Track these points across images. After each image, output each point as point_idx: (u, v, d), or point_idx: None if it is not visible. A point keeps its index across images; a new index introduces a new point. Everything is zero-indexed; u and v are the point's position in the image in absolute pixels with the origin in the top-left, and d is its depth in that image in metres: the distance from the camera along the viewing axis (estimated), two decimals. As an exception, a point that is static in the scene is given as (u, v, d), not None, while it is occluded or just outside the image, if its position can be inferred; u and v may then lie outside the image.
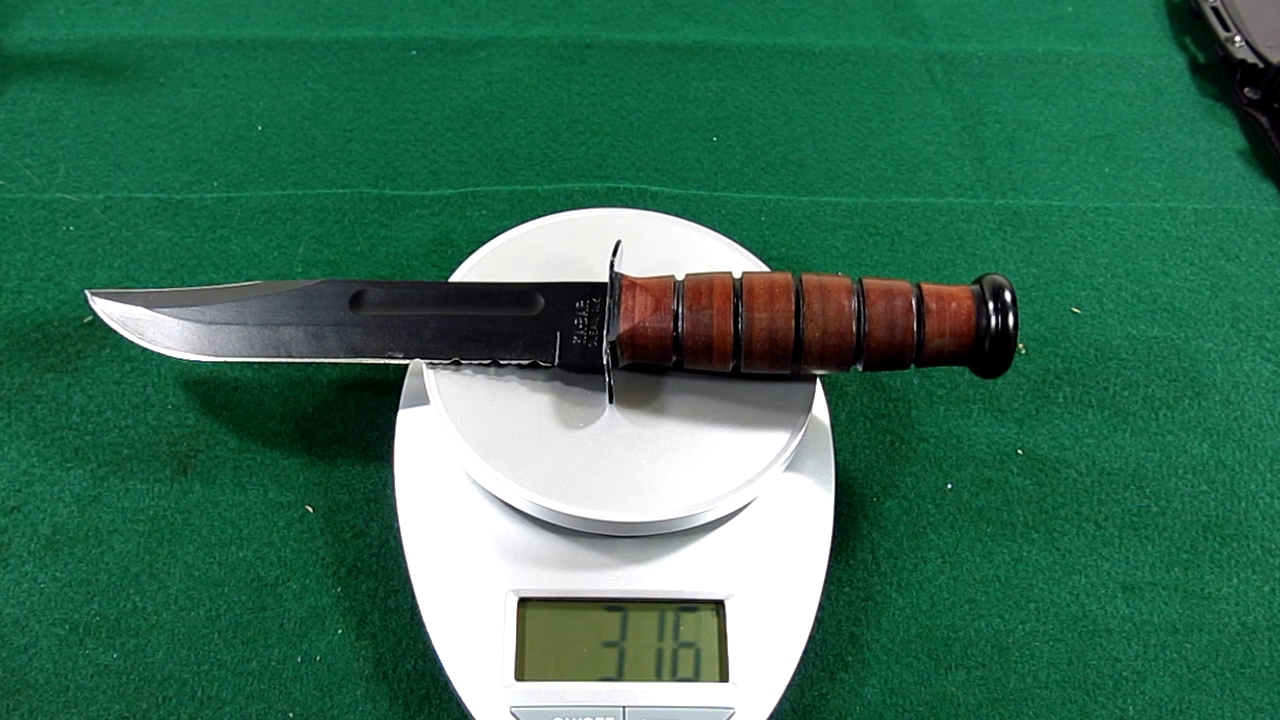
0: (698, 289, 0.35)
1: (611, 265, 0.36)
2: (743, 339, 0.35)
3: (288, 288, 0.39)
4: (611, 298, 0.35)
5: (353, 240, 0.50)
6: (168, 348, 0.38)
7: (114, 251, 0.48)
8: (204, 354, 0.38)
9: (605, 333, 0.35)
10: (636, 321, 0.35)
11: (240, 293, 0.39)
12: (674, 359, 0.36)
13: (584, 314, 0.37)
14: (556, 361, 0.36)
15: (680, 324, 0.35)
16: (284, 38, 0.59)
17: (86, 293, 0.40)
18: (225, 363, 0.43)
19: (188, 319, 0.38)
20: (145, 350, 0.39)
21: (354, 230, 0.50)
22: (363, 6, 0.61)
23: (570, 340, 0.36)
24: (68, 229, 0.49)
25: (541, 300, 0.37)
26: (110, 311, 0.39)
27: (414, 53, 0.59)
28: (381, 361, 0.37)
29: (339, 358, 0.37)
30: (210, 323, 0.38)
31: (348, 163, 0.53)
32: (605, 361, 0.35)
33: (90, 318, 0.45)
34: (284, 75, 0.57)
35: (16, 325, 0.45)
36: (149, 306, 0.39)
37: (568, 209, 0.44)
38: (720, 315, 0.34)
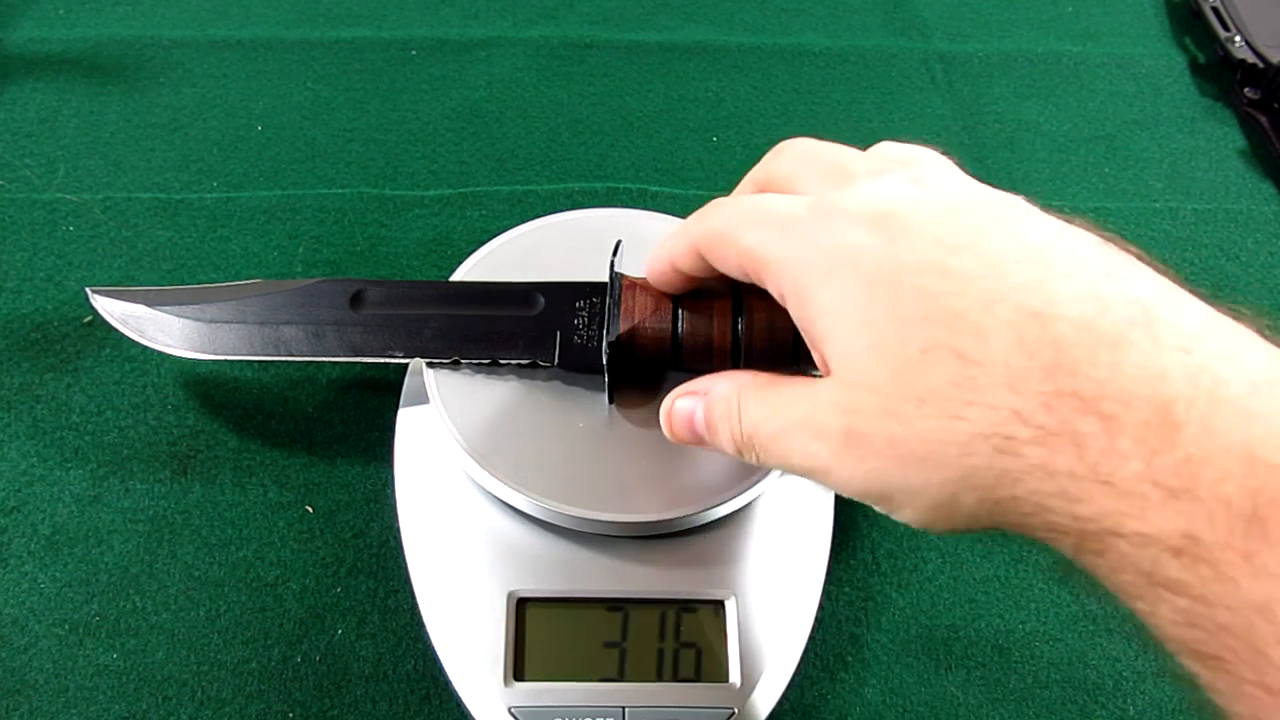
0: (698, 289, 0.35)
1: (612, 265, 0.36)
2: (742, 339, 0.35)
3: (288, 287, 0.39)
4: (611, 297, 0.35)
5: (353, 240, 0.50)
6: (168, 346, 0.38)
7: (114, 251, 0.48)
8: (204, 352, 0.38)
9: (605, 333, 0.35)
10: (636, 321, 0.35)
11: (241, 291, 0.39)
12: (674, 359, 0.36)
13: (584, 314, 0.37)
14: (556, 361, 0.36)
15: (680, 324, 0.35)
16: (284, 38, 0.59)
17: (87, 290, 0.40)
18: (225, 361, 0.43)
19: (188, 317, 0.38)
20: (145, 350, 0.39)
21: (354, 230, 0.50)
22: (363, 6, 0.61)
23: (570, 340, 0.36)
24: (68, 229, 0.49)
25: (542, 300, 0.37)
26: (111, 309, 0.39)
27: (414, 53, 0.59)
28: (381, 360, 0.37)
29: (339, 356, 0.37)
30: (210, 321, 0.38)
31: (348, 163, 0.53)
32: (604, 361, 0.35)
33: (90, 318, 0.45)
34: (284, 75, 0.57)
35: (16, 325, 0.45)
36: (149, 304, 0.39)
37: (568, 209, 0.44)
38: (720, 315, 0.34)
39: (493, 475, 0.35)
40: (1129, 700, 0.38)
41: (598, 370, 0.36)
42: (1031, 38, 0.63)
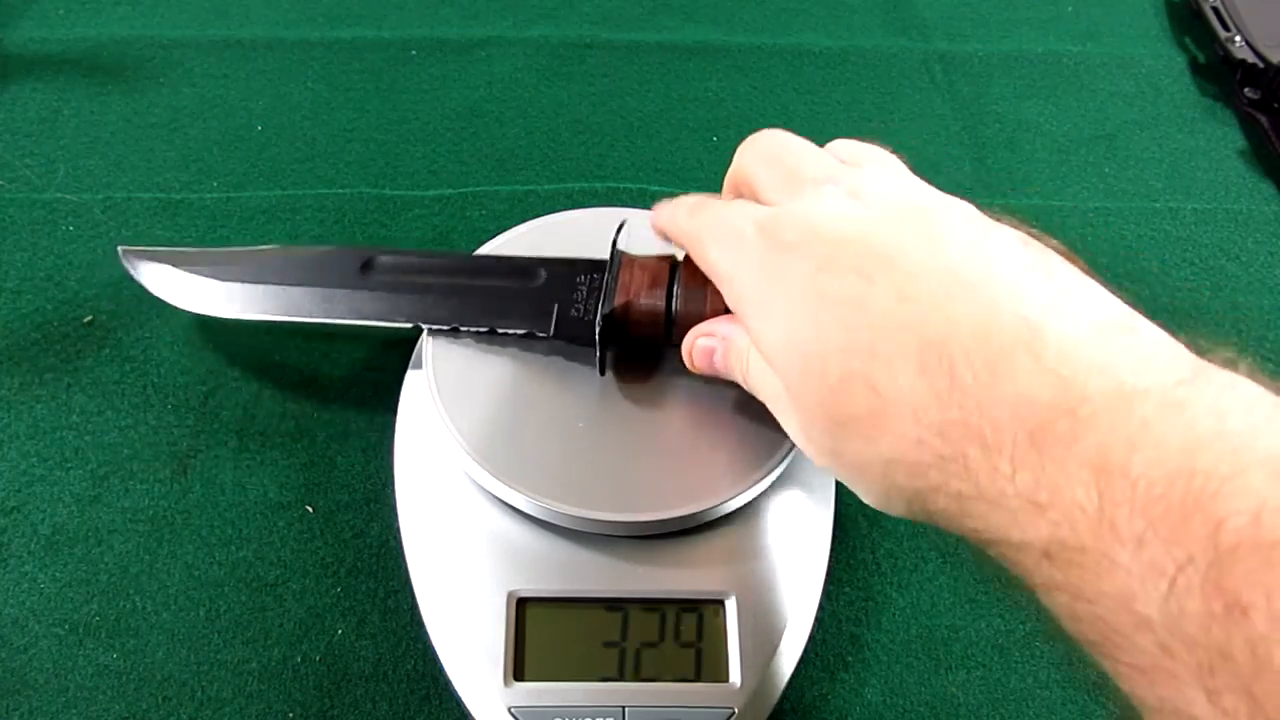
0: (694, 268, 0.35)
1: (614, 242, 0.37)
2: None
3: (304, 253, 0.41)
4: (610, 273, 0.36)
5: (353, 240, 0.50)
6: (188, 303, 0.41)
7: (114, 251, 0.48)
8: (221, 311, 0.40)
9: (600, 306, 0.36)
10: (631, 297, 0.35)
11: (259, 256, 0.41)
12: (667, 335, 0.36)
13: (583, 288, 0.37)
14: (552, 333, 0.37)
15: (675, 302, 0.35)
16: (284, 38, 0.59)
17: (119, 248, 0.43)
18: (238, 321, 0.41)
19: (208, 277, 0.40)
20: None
21: (354, 230, 0.50)
22: (363, 6, 0.61)
23: (567, 313, 0.37)
24: (68, 229, 0.49)
25: (543, 274, 0.38)
26: (138, 267, 0.42)
27: (414, 53, 0.59)
28: (386, 325, 0.38)
29: (346, 319, 0.39)
30: (228, 281, 0.40)
31: (348, 163, 0.53)
32: (597, 335, 0.35)
33: (90, 318, 0.45)
34: (284, 75, 0.57)
35: (16, 325, 0.45)
36: (175, 265, 0.41)
37: (568, 209, 0.44)
38: (714, 294, 0.34)
39: (492, 475, 0.35)
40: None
41: (591, 343, 0.36)
42: (1031, 38, 0.63)
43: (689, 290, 0.35)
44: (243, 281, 0.40)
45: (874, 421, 0.26)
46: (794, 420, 0.30)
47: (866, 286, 0.26)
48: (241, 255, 0.41)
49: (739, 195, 0.34)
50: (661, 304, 0.35)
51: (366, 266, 0.39)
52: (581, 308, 0.37)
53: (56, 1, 0.60)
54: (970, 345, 0.24)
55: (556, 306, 0.37)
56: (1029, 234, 0.28)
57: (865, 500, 0.28)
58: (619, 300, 0.35)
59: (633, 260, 0.36)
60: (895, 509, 0.27)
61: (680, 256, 0.37)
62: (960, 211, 0.28)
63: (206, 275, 0.40)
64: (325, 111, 0.56)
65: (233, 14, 0.60)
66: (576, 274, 0.38)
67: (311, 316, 0.39)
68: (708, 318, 0.35)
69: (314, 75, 0.57)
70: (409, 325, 0.38)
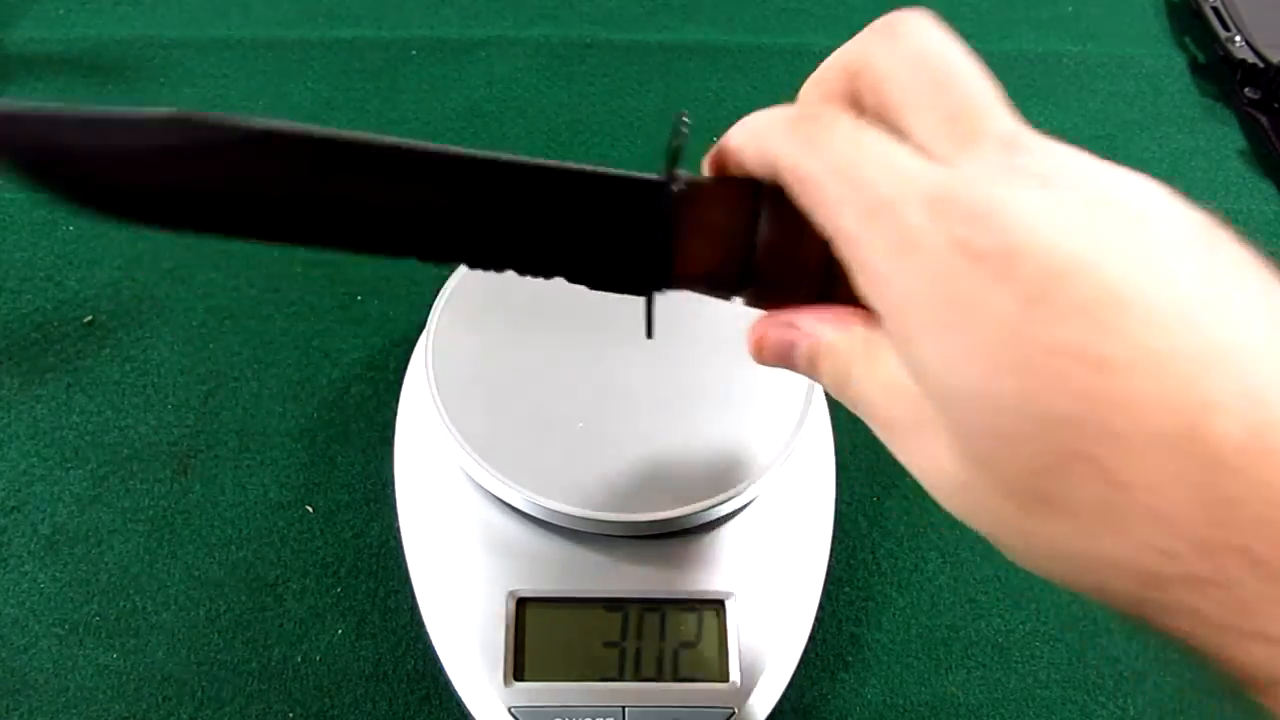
0: (787, 207, 0.24)
1: (672, 157, 0.26)
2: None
3: (226, 130, 0.25)
4: (663, 212, 0.26)
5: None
6: (66, 192, 0.26)
7: (114, 251, 0.48)
8: (108, 213, 0.26)
9: (656, 256, 0.26)
10: (696, 251, 0.26)
11: (153, 133, 0.26)
12: (738, 291, 0.26)
13: (629, 221, 0.27)
14: (591, 283, 0.28)
15: (756, 251, 0.25)
16: (284, 38, 0.59)
17: None
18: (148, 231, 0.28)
19: (90, 155, 0.26)
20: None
21: (354, 230, 0.50)
22: (363, 6, 0.61)
23: (610, 257, 0.27)
24: (68, 229, 0.49)
25: (575, 193, 0.28)
26: None
27: (414, 53, 0.59)
28: (361, 254, 0.27)
29: (307, 243, 0.26)
30: (125, 178, 0.26)
31: (348, 163, 0.53)
32: (649, 310, 0.28)
33: (90, 318, 0.45)
34: (284, 75, 0.57)
35: (16, 325, 0.45)
36: (43, 134, 0.26)
37: (568, 209, 0.44)
38: (811, 241, 0.24)
39: (493, 475, 0.35)
40: (1129, 700, 0.38)
41: (636, 294, 0.28)
42: (1031, 38, 0.63)
43: (777, 242, 0.25)
44: (145, 179, 0.26)
45: (1100, 516, 0.20)
46: (945, 470, 0.22)
47: (1103, 341, 0.20)
48: (125, 125, 0.26)
49: (854, 92, 0.24)
50: (737, 256, 0.25)
51: (321, 165, 0.25)
52: (625, 254, 0.27)
53: (56, 1, 0.60)
54: (1239, 438, 0.19)
55: (594, 247, 0.27)
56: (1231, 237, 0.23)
57: (1027, 568, 0.22)
58: (679, 254, 0.26)
59: (698, 189, 0.26)
60: (1080, 590, 0.21)
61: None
62: (1168, 209, 0.23)
63: (85, 157, 0.26)
64: (325, 111, 0.56)
65: (233, 14, 0.60)
66: (619, 200, 0.27)
67: (260, 239, 0.26)
68: (799, 276, 0.25)
69: (314, 75, 0.57)
70: (394, 257, 0.27)
